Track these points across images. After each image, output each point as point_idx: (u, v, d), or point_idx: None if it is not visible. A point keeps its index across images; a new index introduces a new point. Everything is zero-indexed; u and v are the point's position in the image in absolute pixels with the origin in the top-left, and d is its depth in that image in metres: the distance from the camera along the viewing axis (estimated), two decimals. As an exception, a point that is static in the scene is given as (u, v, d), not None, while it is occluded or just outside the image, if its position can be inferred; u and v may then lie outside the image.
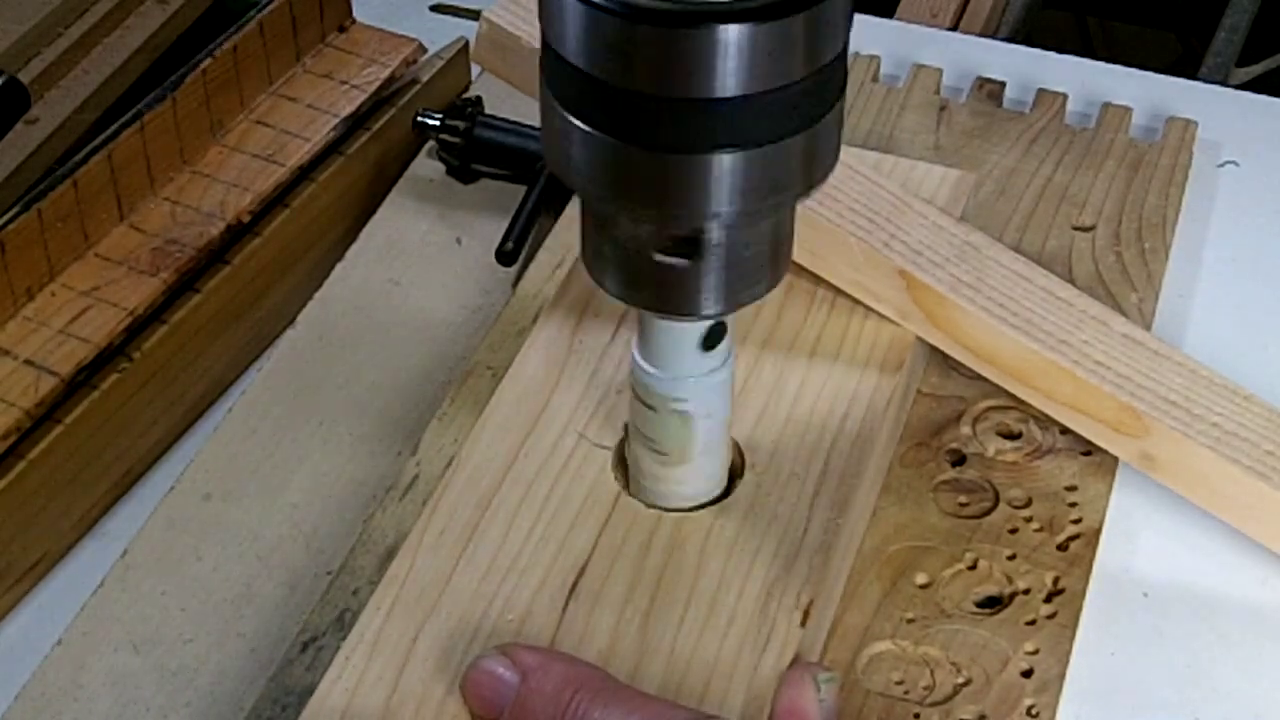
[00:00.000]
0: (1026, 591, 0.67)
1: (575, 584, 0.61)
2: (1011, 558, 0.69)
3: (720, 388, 0.60)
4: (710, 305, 0.55)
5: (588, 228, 0.56)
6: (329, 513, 0.72)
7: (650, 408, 0.60)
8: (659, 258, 0.53)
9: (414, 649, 0.59)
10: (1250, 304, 0.83)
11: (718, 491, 0.64)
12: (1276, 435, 0.68)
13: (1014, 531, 0.70)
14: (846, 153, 0.76)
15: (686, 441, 0.61)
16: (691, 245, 0.53)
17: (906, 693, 0.64)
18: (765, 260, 0.55)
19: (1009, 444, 0.73)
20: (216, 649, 0.67)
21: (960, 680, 0.65)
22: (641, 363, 0.59)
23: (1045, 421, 0.73)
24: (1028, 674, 0.65)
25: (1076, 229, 0.84)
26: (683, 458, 0.61)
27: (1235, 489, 0.67)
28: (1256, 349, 0.80)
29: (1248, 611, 0.69)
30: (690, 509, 0.63)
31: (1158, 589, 0.70)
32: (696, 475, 0.62)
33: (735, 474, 0.65)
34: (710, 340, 0.58)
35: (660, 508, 0.63)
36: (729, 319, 0.58)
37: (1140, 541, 0.71)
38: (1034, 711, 0.63)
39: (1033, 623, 0.66)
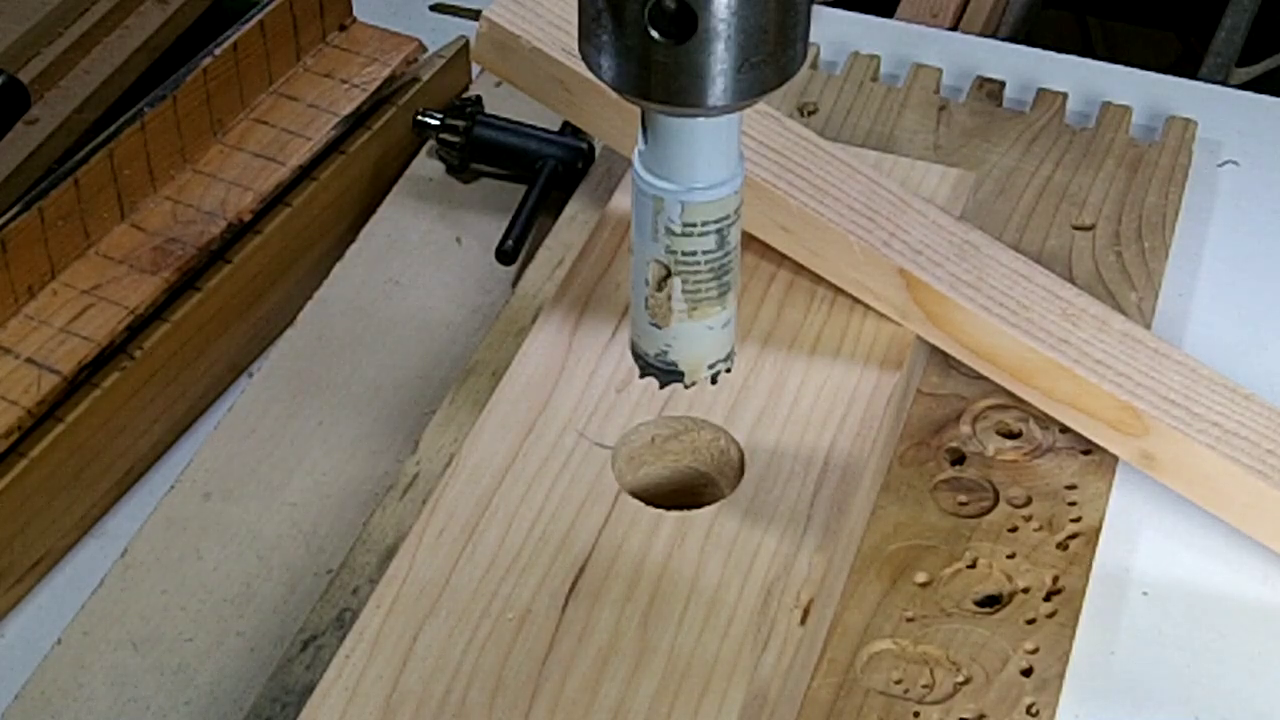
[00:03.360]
0: (1026, 590, 0.67)
1: (575, 583, 0.61)
2: (1011, 556, 0.69)
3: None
4: None
5: None
6: (329, 512, 0.72)
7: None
8: None
9: (414, 648, 0.59)
10: (1250, 303, 0.83)
11: (726, 345, 0.59)
12: (1276, 434, 0.68)
13: (1014, 530, 0.70)
14: (846, 152, 0.76)
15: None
16: None
17: (906, 691, 0.64)
18: None
19: (1009, 443, 0.73)
20: (216, 648, 0.67)
21: (960, 679, 0.65)
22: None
23: (1045, 420, 0.73)
24: (1027, 673, 0.65)
25: (1076, 228, 0.84)
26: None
27: (1235, 488, 0.67)
28: (1256, 348, 0.80)
29: (1248, 611, 0.69)
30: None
31: (1158, 588, 0.70)
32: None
33: (735, 474, 0.65)
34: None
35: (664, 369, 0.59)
36: None
37: (1140, 540, 0.71)
38: (1034, 710, 0.63)
39: (1032, 621, 0.66)
